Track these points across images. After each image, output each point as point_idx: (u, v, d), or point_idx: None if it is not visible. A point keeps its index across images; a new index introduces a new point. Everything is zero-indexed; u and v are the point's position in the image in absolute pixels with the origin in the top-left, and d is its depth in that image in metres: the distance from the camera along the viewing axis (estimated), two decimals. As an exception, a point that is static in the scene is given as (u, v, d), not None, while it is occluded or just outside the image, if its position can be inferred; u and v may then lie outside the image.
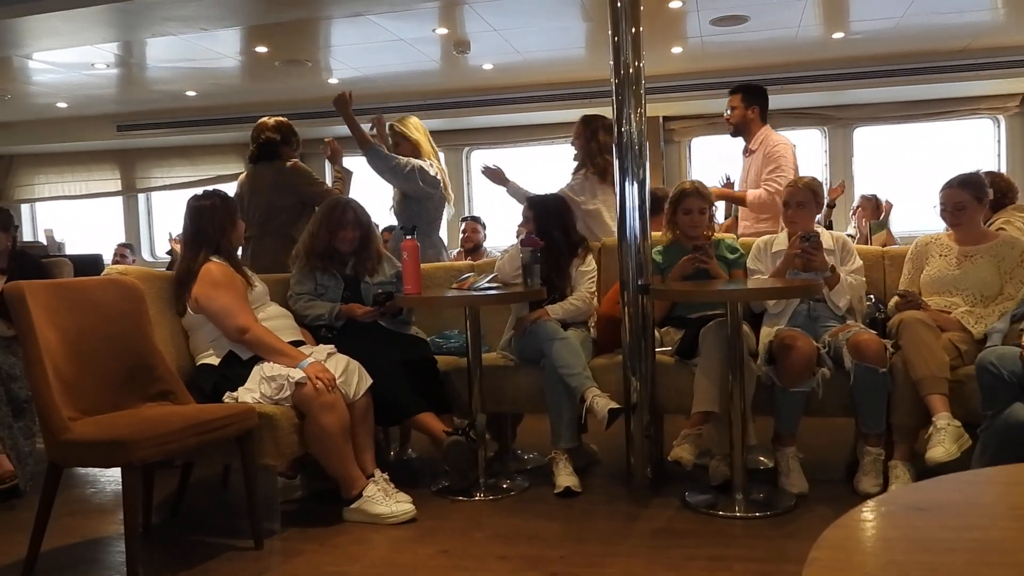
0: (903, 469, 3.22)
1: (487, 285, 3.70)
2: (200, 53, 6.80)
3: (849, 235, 5.52)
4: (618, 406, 3.39)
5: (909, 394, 3.21)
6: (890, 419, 3.30)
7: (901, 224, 6.92)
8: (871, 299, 3.75)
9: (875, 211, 6.71)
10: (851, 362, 3.27)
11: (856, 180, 8.73)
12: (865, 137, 8.86)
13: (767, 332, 3.53)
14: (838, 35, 7.03)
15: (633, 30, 3.49)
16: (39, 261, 4.53)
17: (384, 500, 3.22)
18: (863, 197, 7.04)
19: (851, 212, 7.39)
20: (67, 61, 6.95)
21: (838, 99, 8.40)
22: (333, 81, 8.00)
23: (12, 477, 3.65)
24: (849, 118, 8.73)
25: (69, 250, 8.06)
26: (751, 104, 4.64)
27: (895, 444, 3.31)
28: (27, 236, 10.49)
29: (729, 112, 4.69)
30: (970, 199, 3.55)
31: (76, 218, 10.84)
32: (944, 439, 2.97)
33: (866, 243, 6.18)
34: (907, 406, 3.24)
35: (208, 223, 3.47)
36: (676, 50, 7.31)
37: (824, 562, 1.15)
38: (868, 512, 1.35)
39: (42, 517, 2.79)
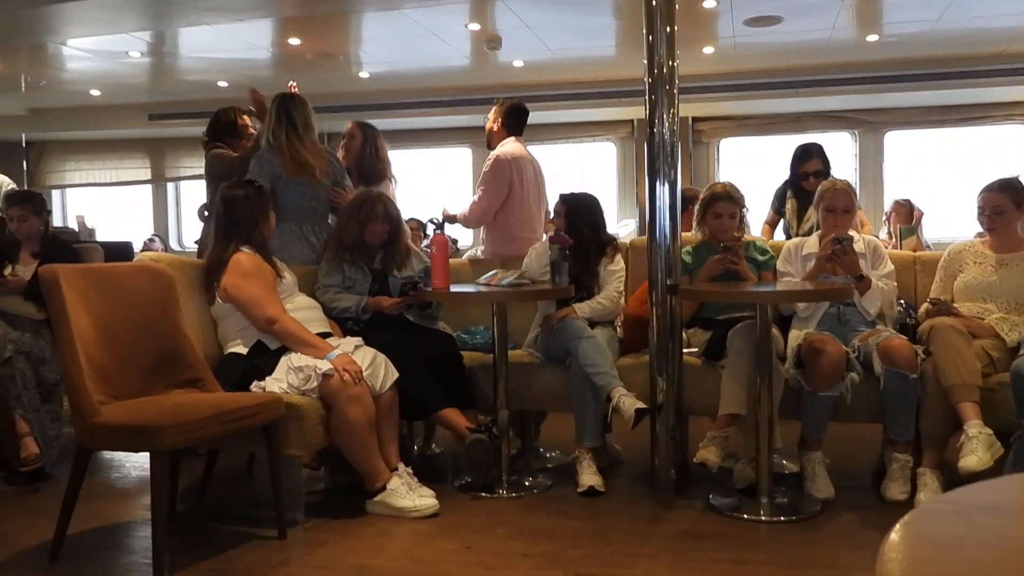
0: (931, 477, 3.18)
1: (515, 282, 3.69)
2: (233, 44, 6.83)
3: (883, 240, 5.44)
4: (645, 406, 3.38)
5: (939, 401, 3.17)
6: (919, 426, 3.25)
7: (931, 230, 6.83)
8: (902, 304, 3.70)
9: (908, 216, 6.63)
10: (881, 367, 3.23)
11: (886, 185, 8.65)
12: (896, 141, 8.76)
13: (796, 335, 3.49)
14: (872, 38, 6.96)
15: (668, 29, 3.47)
16: (71, 246, 4.57)
17: (407, 494, 3.23)
18: (896, 202, 6.94)
19: (884, 217, 7.31)
20: (101, 49, 7.01)
21: (870, 103, 8.32)
22: (364, 75, 8.02)
23: (36, 459, 3.68)
24: (880, 122, 8.63)
25: (99, 237, 8.13)
26: (498, 116, 4.62)
27: (924, 451, 3.27)
28: (57, 222, 10.60)
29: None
30: (1009, 204, 3.50)
31: (105, 206, 10.94)
32: (977, 448, 2.92)
33: (898, 248, 6.10)
34: (937, 413, 3.19)
35: (241, 213, 3.48)
36: (708, 50, 7.27)
37: (899, 562, 1.11)
38: (932, 511, 1.31)
39: (70, 500, 2.82)
